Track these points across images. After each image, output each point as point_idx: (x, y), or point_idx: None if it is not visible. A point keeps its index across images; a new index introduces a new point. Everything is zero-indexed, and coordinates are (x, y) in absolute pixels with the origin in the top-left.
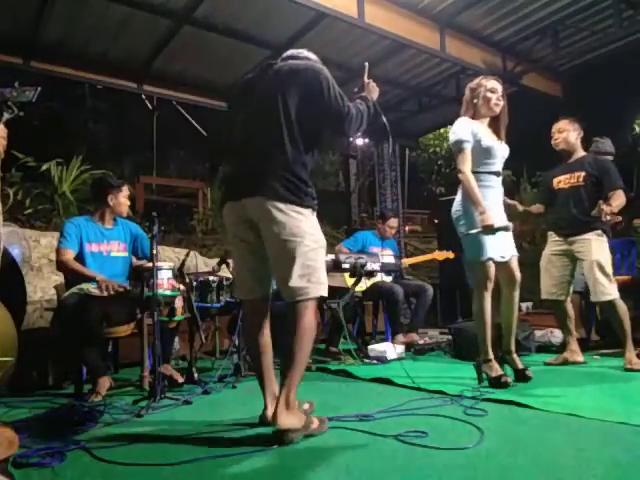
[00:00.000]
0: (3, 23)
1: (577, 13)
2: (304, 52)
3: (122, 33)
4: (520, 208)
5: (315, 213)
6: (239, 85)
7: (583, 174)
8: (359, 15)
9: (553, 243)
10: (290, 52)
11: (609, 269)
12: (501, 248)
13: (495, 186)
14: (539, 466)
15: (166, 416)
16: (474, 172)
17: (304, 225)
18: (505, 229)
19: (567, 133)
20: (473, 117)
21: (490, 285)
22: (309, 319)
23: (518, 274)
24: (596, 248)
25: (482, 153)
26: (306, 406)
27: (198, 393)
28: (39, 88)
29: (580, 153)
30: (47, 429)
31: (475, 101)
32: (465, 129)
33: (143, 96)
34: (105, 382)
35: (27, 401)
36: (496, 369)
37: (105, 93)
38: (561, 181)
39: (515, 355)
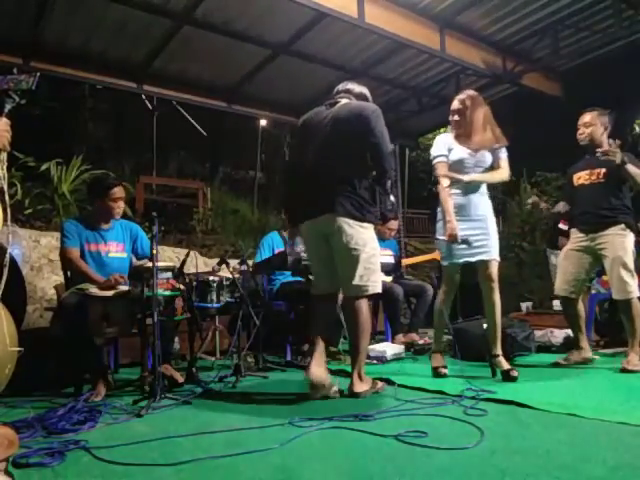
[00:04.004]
0: (3, 23)
1: (577, 13)
2: (357, 88)
3: (122, 33)
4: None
5: (373, 226)
6: (304, 120)
7: (604, 171)
8: (359, 15)
9: (575, 239)
10: (346, 86)
11: (632, 265)
12: (467, 254)
13: (465, 193)
14: (539, 466)
15: (166, 416)
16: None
17: (366, 236)
18: (465, 242)
19: (593, 128)
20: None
21: (448, 285)
22: (365, 312)
23: (493, 276)
24: (620, 244)
25: (453, 165)
26: (379, 385)
27: (198, 393)
28: (38, 74)
29: (604, 148)
30: (47, 429)
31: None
32: (440, 145)
33: (143, 96)
34: (105, 382)
35: (27, 401)
36: (438, 360)
37: (105, 93)
38: (581, 177)
39: (500, 358)
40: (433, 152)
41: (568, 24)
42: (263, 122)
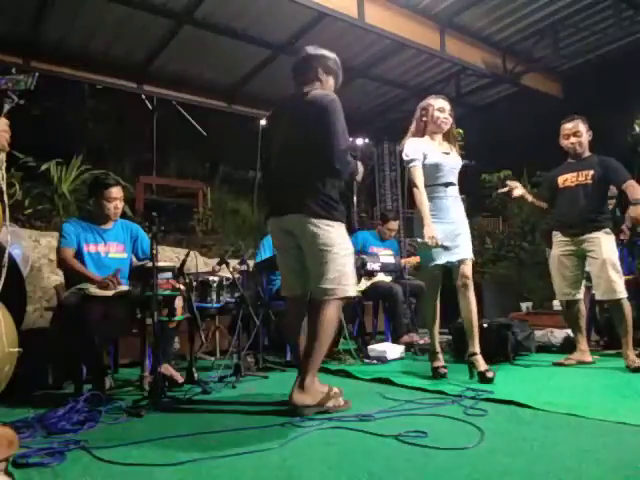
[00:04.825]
0: (3, 23)
1: (577, 13)
2: (323, 64)
3: (122, 33)
4: (529, 199)
5: (343, 225)
6: (274, 110)
7: (592, 172)
8: (359, 15)
9: (560, 243)
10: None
11: (619, 267)
12: (447, 254)
13: (444, 196)
14: (539, 466)
15: (166, 416)
16: (427, 185)
17: (334, 236)
18: (443, 247)
19: (583, 136)
20: (423, 134)
21: (434, 287)
22: (330, 315)
23: (468, 274)
24: (606, 246)
25: (430, 168)
26: (335, 390)
27: (198, 393)
28: (36, 74)
29: (587, 153)
30: (47, 429)
31: (425, 119)
32: (414, 149)
33: (143, 96)
34: (105, 382)
35: (27, 401)
36: (437, 360)
37: (105, 93)
38: (567, 179)
39: (478, 357)
40: (408, 156)
41: (568, 24)
42: (263, 122)
